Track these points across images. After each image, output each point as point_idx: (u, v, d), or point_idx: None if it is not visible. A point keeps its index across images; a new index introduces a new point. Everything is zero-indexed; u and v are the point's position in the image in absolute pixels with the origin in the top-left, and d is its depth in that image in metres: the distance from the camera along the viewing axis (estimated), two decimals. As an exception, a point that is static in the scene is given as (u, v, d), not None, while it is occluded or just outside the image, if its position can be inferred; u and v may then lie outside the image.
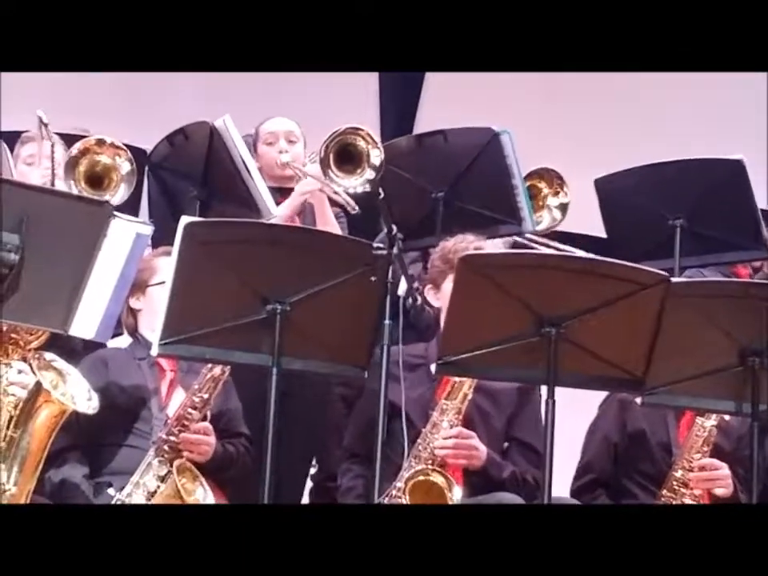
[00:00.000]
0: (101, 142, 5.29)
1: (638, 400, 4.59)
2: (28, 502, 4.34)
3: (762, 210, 5.60)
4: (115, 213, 4.06)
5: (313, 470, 5.60)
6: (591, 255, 4.90)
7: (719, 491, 4.67)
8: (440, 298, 4.78)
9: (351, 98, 8.55)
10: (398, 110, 8.67)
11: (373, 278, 4.17)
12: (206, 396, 4.56)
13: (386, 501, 4.48)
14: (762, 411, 4.24)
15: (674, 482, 4.72)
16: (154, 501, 4.57)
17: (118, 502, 4.53)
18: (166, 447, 4.54)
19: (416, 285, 5.11)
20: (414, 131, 7.90)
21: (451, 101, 8.42)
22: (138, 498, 4.52)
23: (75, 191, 5.07)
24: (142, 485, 4.54)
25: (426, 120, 8.34)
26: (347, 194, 5.48)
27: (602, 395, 5.12)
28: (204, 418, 4.61)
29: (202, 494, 4.55)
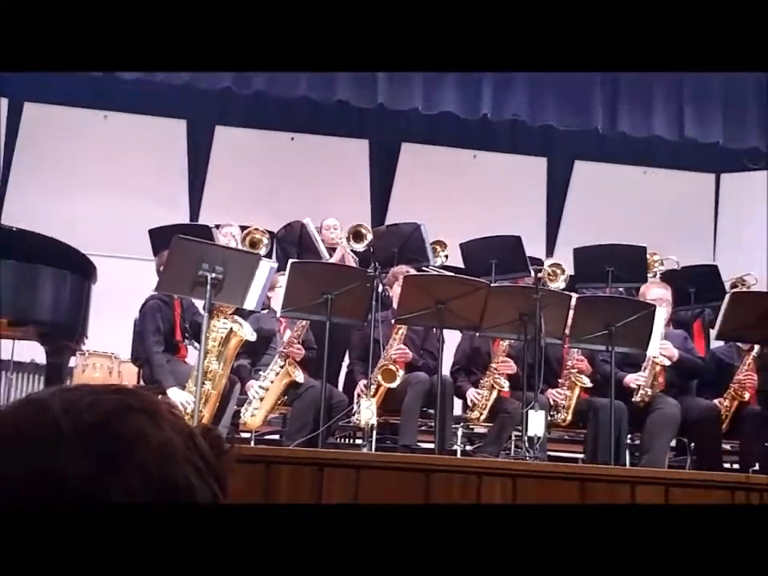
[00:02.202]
0: (255, 229, 6.66)
1: (477, 334, 5.92)
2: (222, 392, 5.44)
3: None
4: (262, 258, 5.61)
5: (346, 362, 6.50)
6: (460, 275, 6.21)
7: (511, 371, 5.88)
8: (394, 292, 6.04)
9: (349, 164, 8.81)
10: (381, 183, 8.87)
11: (368, 284, 5.57)
12: (298, 333, 5.79)
13: (371, 377, 5.72)
14: (530, 339, 5.53)
15: (492, 367, 5.89)
16: (277, 378, 5.70)
17: (265, 379, 5.69)
18: (283, 353, 5.76)
19: (385, 287, 6.39)
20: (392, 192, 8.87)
21: (417, 171, 8.90)
22: (271, 375, 5.68)
23: (245, 248, 6.28)
24: (273, 370, 5.72)
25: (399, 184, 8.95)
26: (355, 252, 6.81)
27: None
28: (298, 341, 5.81)
29: (299, 374, 5.71)
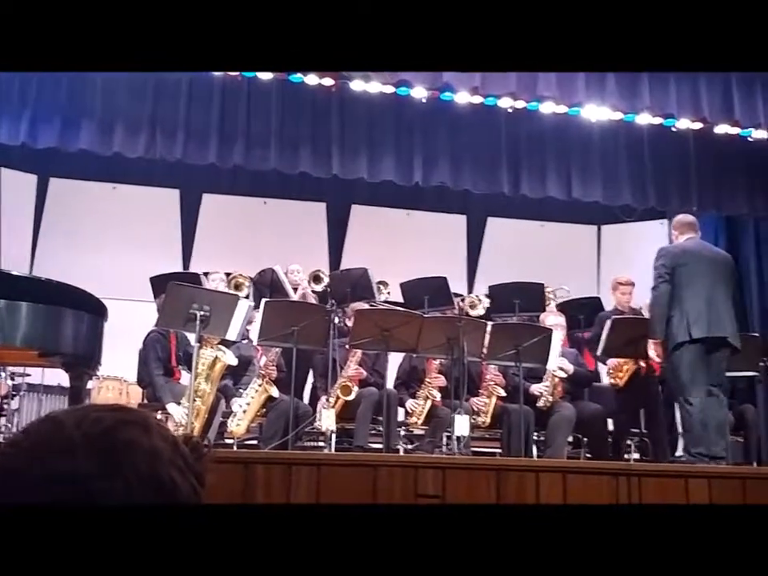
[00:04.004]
0: (239, 275, 6.60)
1: (415, 356, 5.86)
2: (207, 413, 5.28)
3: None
4: (241, 299, 5.49)
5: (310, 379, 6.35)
6: (400, 309, 6.16)
7: (442, 384, 5.79)
8: (349, 322, 5.90)
9: (311, 222, 8.69)
10: (336, 236, 8.77)
11: (326, 317, 5.59)
12: (272, 358, 5.73)
13: (331, 392, 5.63)
14: (456, 358, 5.43)
15: (427, 381, 5.84)
16: (257, 394, 5.59)
17: (247, 396, 5.57)
18: (261, 374, 5.69)
19: (342, 318, 6.29)
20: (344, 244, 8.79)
21: (364, 227, 8.86)
22: (252, 392, 5.59)
23: (230, 290, 6.21)
24: (253, 388, 5.66)
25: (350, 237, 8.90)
26: (315, 291, 6.77)
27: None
28: (273, 364, 5.73)
29: (274, 390, 5.63)
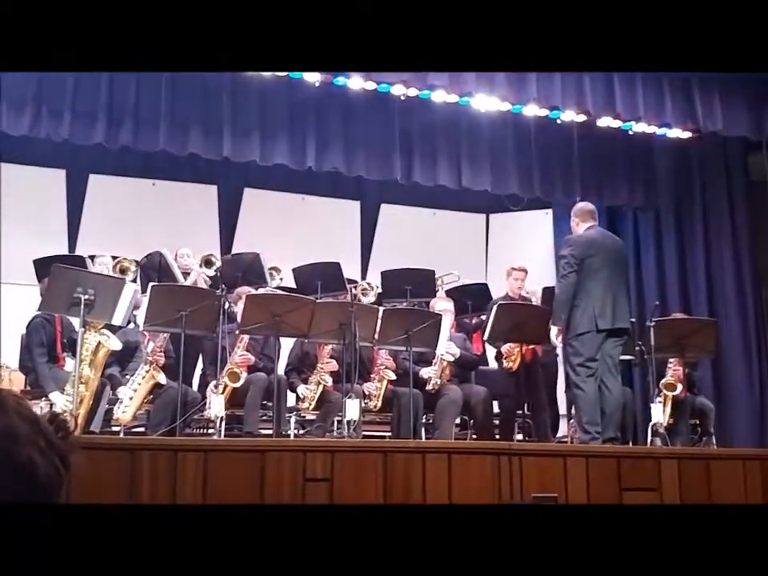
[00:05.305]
0: (124, 259, 6.40)
1: (306, 341, 5.81)
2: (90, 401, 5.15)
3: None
4: (127, 283, 5.50)
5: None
6: (292, 294, 6.16)
7: (333, 369, 5.78)
8: (238, 308, 5.83)
9: (201, 205, 8.40)
10: (228, 220, 8.49)
11: (216, 302, 5.52)
12: (160, 344, 5.63)
13: (219, 378, 5.48)
14: (348, 343, 5.42)
15: (318, 367, 5.82)
16: (144, 381, 5.47)
17: (133, 382, 5.43)
18: (148, 360, 5.60)
19: (231, 304, 6.14)
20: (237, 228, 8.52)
21: (257, 211, 8.59)
22: (139, 379, 5.47)
23: (115, 274, 6.02)
24: (140, 374, 5.55)
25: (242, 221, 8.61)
26: (207, 275, 6.62)
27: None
28: (161, 350, 5.65)
29: (162, 377, 5.54)
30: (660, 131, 7.57)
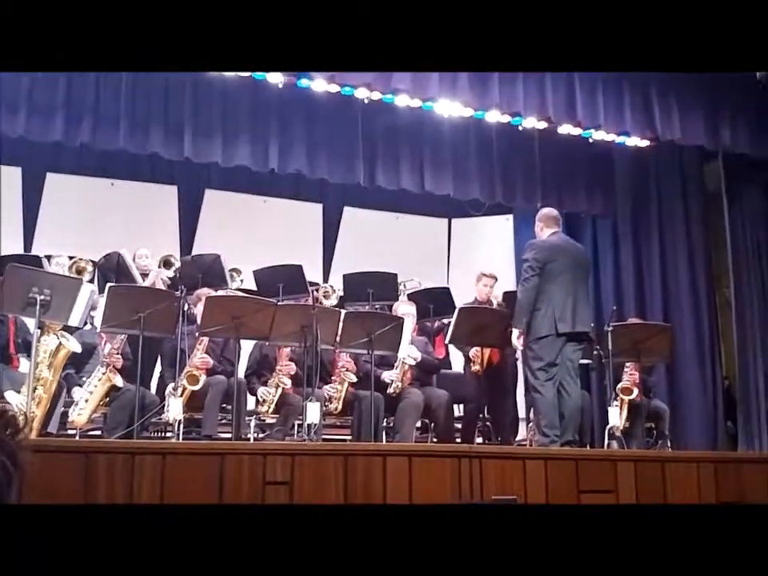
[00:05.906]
0: (80, 259, 6.28)
1: (267, 343, 5.68)
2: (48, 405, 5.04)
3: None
4: (84, 283, 5.33)
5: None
6: (253, 296, 6.05)
7: (293, 372, 5.71)
8: (197, 310, 5.70)
9: (161, 206, 8.29)
10: (188, 221, 8.41)
11: (175, 304, 5.42)
12: (117, 345, 5.53)
13: (178, 381, 5.44)
14: (309, 346, 5.39)
15: (278, 369, 5.74)
16: (100, 383, 5.39)
17: (89, 384, 5.39)
18: (105, 362, 5.52)
19: (190, 305, 6.05)
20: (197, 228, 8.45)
21: (217, 212, 8.54)
22: (95, 381, 5.40)
23: (71, 275, 5.88)
24: (96, 376, 5.47)
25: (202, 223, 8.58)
26: (166, 276, 6.60)
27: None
28: (118, 352, 5.55)
29: (118, 379, 5.45)
30: (619, 139, 7.64)
